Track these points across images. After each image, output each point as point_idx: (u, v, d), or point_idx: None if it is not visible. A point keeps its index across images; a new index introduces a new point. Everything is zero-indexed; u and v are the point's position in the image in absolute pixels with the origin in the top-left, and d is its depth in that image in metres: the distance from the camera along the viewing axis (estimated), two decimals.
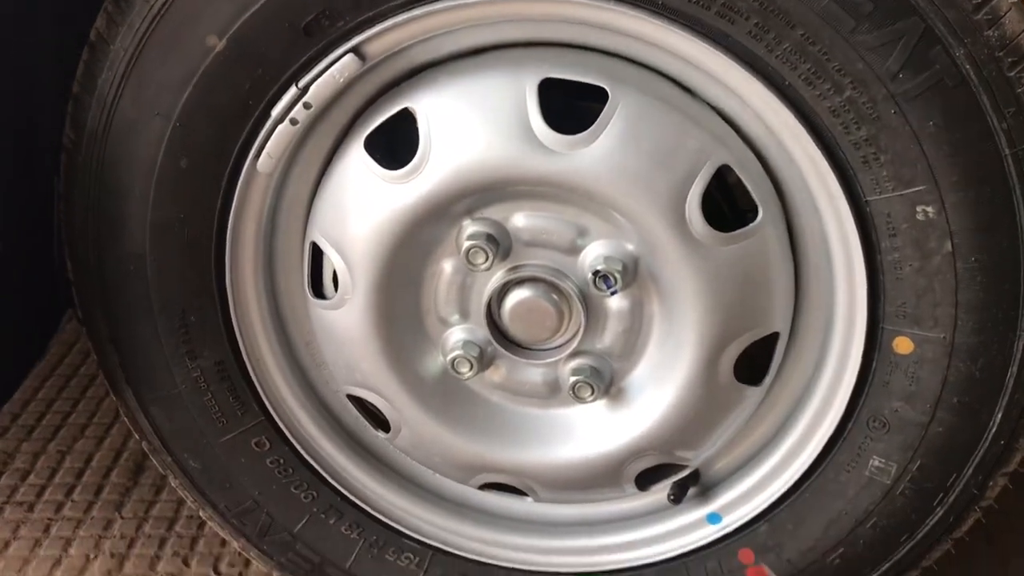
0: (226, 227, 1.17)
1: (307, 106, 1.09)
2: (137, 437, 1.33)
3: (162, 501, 1.77)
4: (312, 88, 1.08)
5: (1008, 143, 0.97)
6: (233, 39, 1.05)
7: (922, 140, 0.98)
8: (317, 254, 1.20)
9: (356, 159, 1.12)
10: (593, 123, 1.04)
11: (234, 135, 1.11)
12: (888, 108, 0.98)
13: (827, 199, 1.06)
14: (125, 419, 1.32)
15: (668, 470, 1.24)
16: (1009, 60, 0.95)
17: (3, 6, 1.14)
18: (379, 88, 1.13)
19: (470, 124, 1.07)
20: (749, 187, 1.08)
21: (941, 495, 1.16)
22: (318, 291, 1.23)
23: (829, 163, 1.03)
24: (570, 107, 1.07)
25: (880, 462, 1.16)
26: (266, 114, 1.10)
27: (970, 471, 1.13)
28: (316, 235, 1.18)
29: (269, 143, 1.11)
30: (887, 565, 1.22)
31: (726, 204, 1.12)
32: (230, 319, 1.23)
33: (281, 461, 1.32)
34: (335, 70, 1.07)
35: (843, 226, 1.07)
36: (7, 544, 1.69)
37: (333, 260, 1.16)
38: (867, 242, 1.06)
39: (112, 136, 1.13)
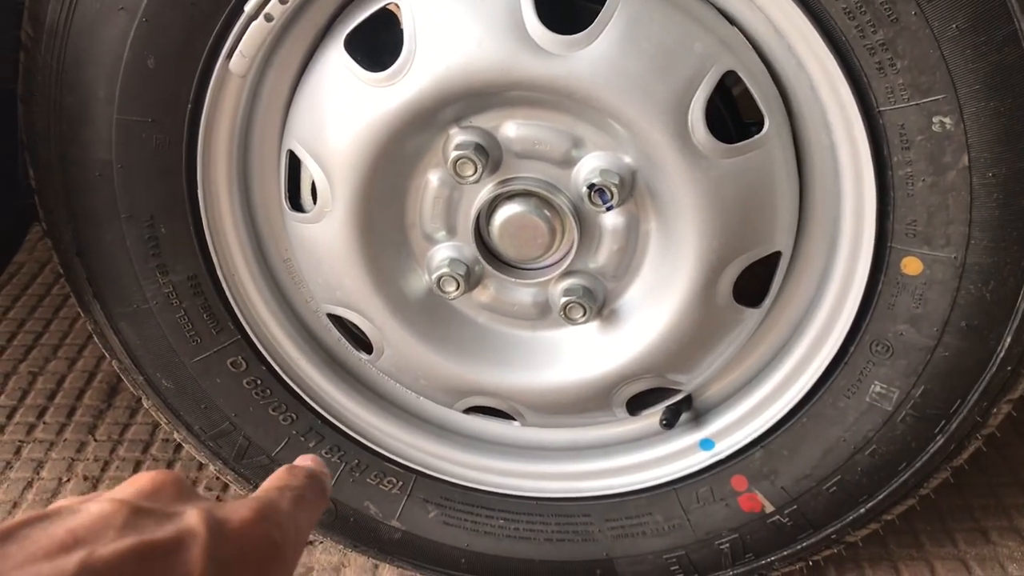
0: (197, 132, 1.10)
1: (283, 0, 1.02)
2: (108, 356, 1.28)
3: (137, 423, 1.73)
4: None
5: None
6: None
7: (943, 44, 0.92)
8: (295, 164, 1.13)
9: (336, 60, 1.05)
10: (591, 23, 0.97)
11: (205, 32, 1.04)
12: (908, 8, 0.91)
13: (838, 109, 1.00)
14: (94, 336, 1.27)
15: (661, 394, 1.20)
16: None
17: None
18: None
19: (459, 22, 0.99)
20: (756, 95, 1.01)
21: (943, 422, 1.12)
22: (296, 203, 1.16)
23: (842, 69, 0.96)
24: (566, 5, 1.00)
25: (882, 388, 1.11)
26: (239, 9, 1.02)
27: (975, 397, 1.09)
28: (293, 143, 1.11)
29: (242, 41, 1.04)
30: (884, 493, 1.18)
31: (729, 115, 1.06)
32: (203, 231, 1.16)
33: (258, 382, 1.27)
34: None
35: (853, 138, 1.00)
36: None
37: (311, 170, 1.10)
38: (878, 155, 1.00)
39: (73, 32, 1.06)
